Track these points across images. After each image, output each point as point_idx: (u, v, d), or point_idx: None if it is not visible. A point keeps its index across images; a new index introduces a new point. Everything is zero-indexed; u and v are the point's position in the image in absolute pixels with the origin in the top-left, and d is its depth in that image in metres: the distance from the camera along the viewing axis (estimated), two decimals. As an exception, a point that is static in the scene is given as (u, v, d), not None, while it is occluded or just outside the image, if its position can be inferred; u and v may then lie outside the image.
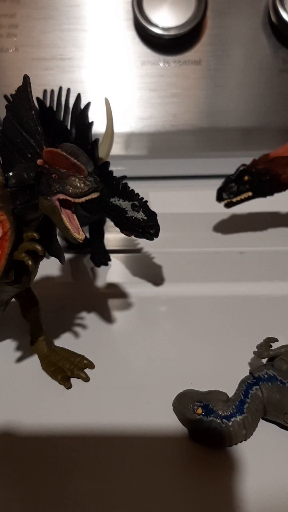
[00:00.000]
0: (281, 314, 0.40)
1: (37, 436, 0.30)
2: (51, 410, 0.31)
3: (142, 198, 0.36)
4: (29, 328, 0.36)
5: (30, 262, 0.28)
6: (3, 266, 0.27)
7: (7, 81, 0.56)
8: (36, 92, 0.35)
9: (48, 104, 0.44)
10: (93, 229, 0.48)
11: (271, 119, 0.57)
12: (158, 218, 0.36)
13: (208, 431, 0.28)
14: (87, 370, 0.34)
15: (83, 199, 0.26)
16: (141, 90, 0.57)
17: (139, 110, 0.57)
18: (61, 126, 0.41)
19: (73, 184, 0.26)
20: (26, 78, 0.27)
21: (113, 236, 0.51)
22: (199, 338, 0.38)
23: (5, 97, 0.44)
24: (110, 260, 0.48)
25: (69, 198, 0.26)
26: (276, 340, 0.33)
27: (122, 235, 0.38)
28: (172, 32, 0.53)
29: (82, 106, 0.42)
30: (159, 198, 0.52)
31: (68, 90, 0.43)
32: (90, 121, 0.41)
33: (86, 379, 0.34)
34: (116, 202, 0.36)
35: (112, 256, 0.48)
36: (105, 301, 0.42)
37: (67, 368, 0.34)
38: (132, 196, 0.36)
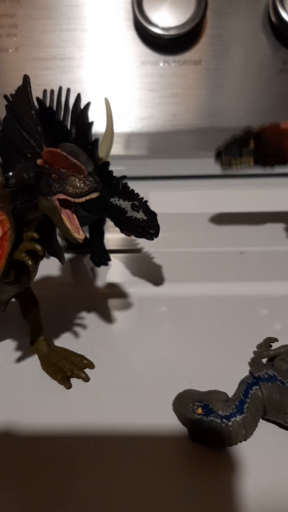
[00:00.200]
0: (281, 314, 0.40)
1: (37, 436, 0.30)
2: (51, 410, 0.31)
3: (142, 198, 0.36)
4: (29, 328, 0.36)
5: (30, 262, 0.28)
6: (3, 266, 0.27)
7: (7, 81, 0.56)
8: (36, 92, 0.35)
9: (48, 104, 0.44)
10: (93, 229, 0.48)
11: (271, 119, 0.57)
12: (158, 218, 0.36)
13: (208, 431, 0.28)
14: (87, 370, 0.34)
15: (83, 199, 0.26)
16: (141, 90, 0.57)
17: (139, 110, 0.57)
18: (61, 126, 0.41)
19: (73, 184, 0.26)
20: (26, 78, 0.27)
21: (113, 236, 0.51)
22: (199, 338, 0.38)
23: (5, 97, 0.44)
24: (110, 260, 0.48)
25: (69, 198, 0.26)
26: (276, 340, 0.33)
27: (122, 235, 0.38)
28: (172, 32, 0.53)
29: (82, 106, 0.42)
30: (159, 198, 0.52)
31: (68, 90, 0.43)
32: (90, 121, 0.41)
33: (86, 379, 0.34)
34: (116, 202, 0.36)
35: (112, 256, 0.48)
36: (105, 301, 0.42)
37: (67, 368, 0.34)
38: (132, 196, 0.36)
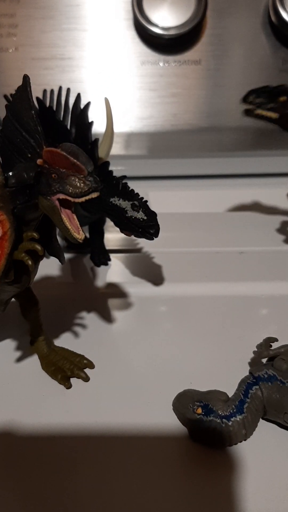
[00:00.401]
0: (281, 314, 0.40)
1: (37, 436, 0.30)
2: (51, 410, 0.31)
3: (142, 198, 0.36)
4: (29, 328, 0.36)
5: (30, 262, 0.28)
6: (3, 266, 0.27)
7: (7, 80, 0.56)
8: (36, 92, 0.35)
9: (48, 104, 0.44)
10: (93, 229, 0.48)
11: (271, 119, 0.57)
12: (158, 218, 0.36)
13: (208, 431, 0.28)
14: (87, 370, 0.34)
15: (83, 199, 0.26)
16: (141, 90, 0.57)
17: (139, 110, 0.57)
18: (61, 126, 0.41)
19: (73, 184, 0.26)
20: (26, 78, 0.27)
21: (113, 236, 0.51)
22: (199, 338, 0.38)
23: (5, 96, 0.44)
24: (110, 260, 0.48)
25: (69, 198, 0.26)
26: (276, 340, 0.33)
27: (122, 235, 0.38)
28: (172, 32, 0.53)
29: (82, 106, 0.42)
30: (159, 198, 0.52)
31: (68, 90, 0.43)
32: (90, 121, 0.41)
33: (86, 379, 0.34)
34: (116, 202, 0.36)
35: (112, 256, 0.48)
36: (105, 301, 0.42)
37: (67, 368, 0.34)
38: (132, 196, 0.36)
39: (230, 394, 0.30)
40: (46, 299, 0.37)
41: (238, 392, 0.29)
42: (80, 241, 0.27)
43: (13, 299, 0.33)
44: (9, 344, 0.37)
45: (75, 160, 0.25)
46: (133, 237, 0.37)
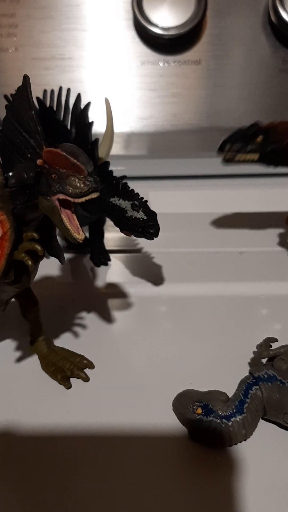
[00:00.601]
0: (281, 314, 0.40)
1: (37, 436, 0.30)
2: (51, 410, 0.31)
3: (142, 198, 0.36)
4: (29, 328, 0.36)
5: (30, 262, 0.28)
6: (3, 266, 0.27)
7: (7, 81, 0.56)
8: (36, 92, 0.35)
9: (48, 104, 0.44)
10: (93, 229, 0.48)
11: (271, 119, 0.57)
12: (158, 218, 0.36)
13: (207, 431, 0.28)
14: (87, 370, 0.34)
15: (83, 199, 0.26)
16: (141, 90, 0.57)
17: (139, 110, 0.57)
18: (61, 126, 0.41)
19: (73, 184, 0.26)
20: (26, 78, 0.27)
21: (113, 236, 0.51)
22: (199, 338, 0.38)
23: (5, 97, 0.44)
24: (110, 260, 0.48)
25: (69, 198, 0.26)
26: (276, 340, 0.33)
27: (122, 235, 0.38)
28: (172, 32, 0.53)
29: (82, 106, 0.42)
30: (159, 198, 0.52)
31: (68, 90, 0.43)
32: (90, 121, 0.41)
33: (86, 379, 0.34)
34: (116, 201, 0.36)
35: (112, 256, 0.48)
36: (105, 301, 0.42)
37: (67, 368, 0.34)
38: (132, 195, 0.36)
39: (230, 394, 0.30)
40: (46, 299, 0.37)
41: (238, 392, 0.29)
42: (80, 241, 0.27)
43: (13, 299, 0.33)
44: (9, 344, 0.37)
45: (75, 160, 0.25)
46: (133, 237, 0.37)
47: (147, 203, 0.36)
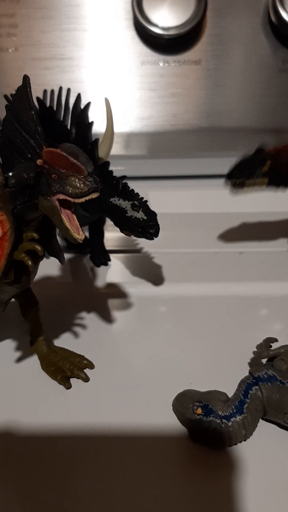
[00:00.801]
0: (281, 314, 0.40)
1: (37, 436, 0.30)
2: (51, 410, 0.31)
3: (142, 198, 0.36)
4: (29, 328, 0.36)
5: (29, 262, 0.28)
6: (3, 266, 0.27)
7: (7, 81, 0.56)
8: (36, 92, 0.35)
9: (48, 104, 0.44)
10: (93, 229, 0.48)
11: (271, 119, 0.57)
12: (158, 218, 0.36)
13: (207, 431, 0.28)
14: (87, 370, 0.34)
15: (82, 199, 0.26)
16: (141, 90, 0.57)
17: (139, 110, 0.57)
18: (61, 126, 0.41)
19: (73, 184, 0.26)
20: (26, 78, 0.27)
21: (113, 236, 0.51)
22: (199, 338, 0.38)
23: (5, 97, 0.44)
24: (110, 260, 0.48)
25: (69, 198, 0.26)
26: (275, 340, 0.33)
27: (122, 235, 0.38)
28: (172, 32, 0.53)
29: (82, 106, 0.42)
30: (159, 198, 0.51)
31: (68, 90, 0.43)
32: (90, 121, 0.41)
33: (86, 379, 0.34)
34: (116, 201, 0.36)
35: (112, 256, 0.48)
36: (105, 301, 0.42)
37: (67, 368, 0.34)
38: (132, 195, 0.36)
39: (230, 394, 0.30)
40: (46, 299, 0.37)
41: (238, 392, 0.29)
42: (80, 241, 0.27)
43: (13, 299, 0.33)
44: (9, 344, 0.37)
45: (75, 161, 0.25)
46: (133, 237, 0.37)
47: (147, 203, 0.36)
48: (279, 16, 0.53)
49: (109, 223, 0.46)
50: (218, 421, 0.28)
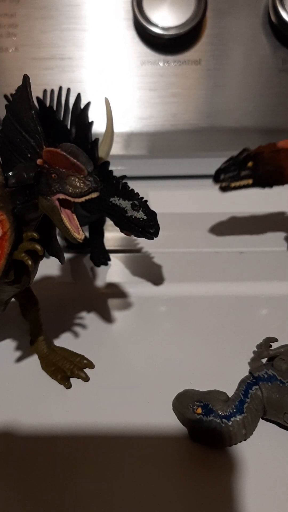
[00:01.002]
0: (281, 314, 0.40)
1: (37, 436, 0.30)
2: (51, 410, 0.31)
3: (142, 198, 0.36)
4: (29, 328, 0.36)
5: (29, 262, 0.28)
6: (2, 266, 0.27)
7: (7, 80, 0.56)
8: (36, 92, 0.35)
9: (48, 103, 0.44)
10: (93, 229, 0.48)
11: (271, 119, 0.57)
12: (158, 217, 0.36)
13: (207, 431, 0.28)
14: (87, 370, 0.34)
15: (82, 199, 0.26)
16: (141, 90, 0.57)
17: (139, 110, 0.57)
18: (61, 126, 0.41)
19: (72, 184, 0.26)
20: (25, 78, 0.27)
21: (113, 236, 0.51)
22: (199, 338, 0.38)
23: (5, 96, 0.44)
24: (110, 260, 0.48)
25: (69, 198, 0.26)
26: (275, 340, 0.33)
27: (122, 235, 0.38)
28: (172, 32, 0.53)
29: (82, 106, 0.42)
30: (159, 198, 0.52)
31: (68, 90, 0.43)
32: (90, 120, 0.41)
33: (86, 379, 0.34)
34: (116, 201, 0.36)
35: (112, 256, 0.48)
36: (105, 301, 0.42)
37: (67, 368, 0.34)
38: (132, 195, 0.36)
39: (230, 394, 0.30)
40: (46, 299, 0.37)
41: (238, 392, 0.29)
42: (80, 241, 0.27)
43: (13, 299, 0.33)
44: (9, 344, 0.37)
45: (75, 160, 0.25)
46: (133, 237, 0.37)
47: (147, 203, 0.36)
48: (279, 16, 0.53)
49: (109, 223, 0.46)
50: (218, 420, 0.28)
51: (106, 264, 0.47)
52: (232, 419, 0.28)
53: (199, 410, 0.29)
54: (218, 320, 0.39)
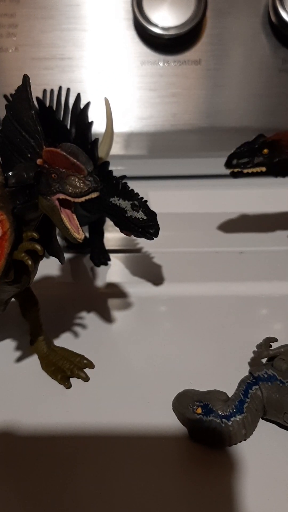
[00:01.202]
0: (281, 314, 0.40)
1: (37, 436, 0.30)
2: (51, 410, 0.31)
3: (142, 198, 0.36)
4: (29, 328, 0.36)
5: (29, 262, 0.28)
6: (2, 266, 0.27)
7: (7, 80, 0.56)
8: (36, 92, 0.35)
9: (48, 103, 0.44)
10: (93, 229, 0.48)
11: (270, 119, 0.57)
12: (157, 217, 0.36)
13: (207, 430, 0.28)
14: (86, 370, 0.34)
15: (82, 199, 0.26)
16: (141, 90, 0.57)
17: (139, 110, 0.57)
18: (61, 126, 0.41)
19: (72, 184, 0.26)
20: (25, 78, 0.27)
21: (113, 236, 0.51)
22: (199, 338, 0.38)
23: (5, 96, 0.44)
24: (109, 260, 0.48)
25: (69, 198, 0.26)
26: (275, 340, 0.33)
27: (122, 235, 0.38)
28: (172, 32, 0.53)
29: (82, 106, 0.42)
30: (159, 198, 0.52)
31: (68, 90, 0.43)
32: (90, 120, 0.41)
33: (86, 379, 0.34)
34: (115, 201, 0.36)
35: (112, 256, 0.48)
36: (105, 301, 0.42)
37: (67, 368, 0.34)
38: (131, 195, 0.36)
39: (230, 394, 0.30)
40: (46, 299, 0.37)
41: (238, 392, 0.29)
42: (80, 241, 0.27)
43: (13, 299, 0.33)
44: (9, 344, 0.37)
45: (75, 160, 0.25)
46: (133, 237, 0.37)
47: (147, 203, 0.36)
48: (279, 16, 0.53)
49: (109, 223, 0.46)
50: (218, 420, 0.28)
51: (106, 264, 0.47)
52: (232, 419, 0.28)
53: (199, 410, 0.29)
54: (218, 320, 0.39)
